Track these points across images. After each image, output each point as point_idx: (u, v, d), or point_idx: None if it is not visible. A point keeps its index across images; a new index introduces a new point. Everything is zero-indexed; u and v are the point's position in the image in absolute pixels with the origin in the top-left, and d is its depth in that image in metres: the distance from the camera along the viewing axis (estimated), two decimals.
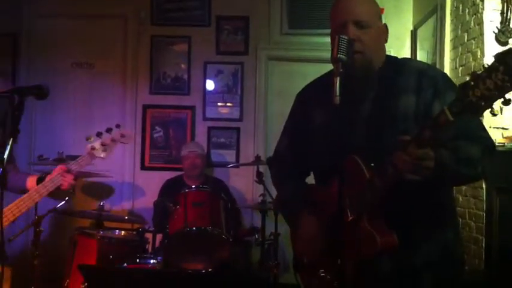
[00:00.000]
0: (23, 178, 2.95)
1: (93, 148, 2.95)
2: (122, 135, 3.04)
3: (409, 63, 2.09)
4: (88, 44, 5.40)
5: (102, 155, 2.97)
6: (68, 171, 2.89)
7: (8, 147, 2.11)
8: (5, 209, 2.63)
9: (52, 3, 5.31)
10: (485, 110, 1.48)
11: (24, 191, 2.88)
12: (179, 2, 5.38)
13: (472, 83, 1.47)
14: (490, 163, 1.89)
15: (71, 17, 5.38)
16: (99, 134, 2.98)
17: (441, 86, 1.91)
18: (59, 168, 2.91)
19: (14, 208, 2.76)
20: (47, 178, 2.88)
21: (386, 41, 2.04)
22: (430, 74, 1.97)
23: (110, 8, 5.37)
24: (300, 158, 2.21)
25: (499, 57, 1.42)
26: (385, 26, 2.02)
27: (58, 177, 2.85)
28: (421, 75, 1.94)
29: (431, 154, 1.64)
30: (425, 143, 1.61)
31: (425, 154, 1.63)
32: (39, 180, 2.90)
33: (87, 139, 2.95)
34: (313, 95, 2.14)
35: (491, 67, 1.43)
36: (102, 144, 2.96)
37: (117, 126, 3.04)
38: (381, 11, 2.07)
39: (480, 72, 1.46)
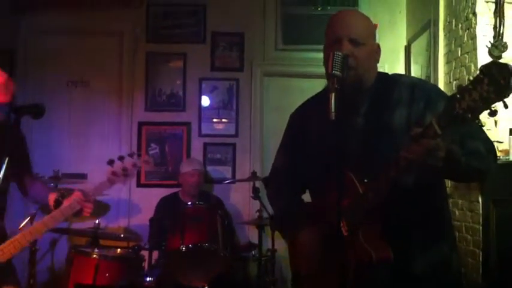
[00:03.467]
0: (46, 194, 2.85)
1: (114, 173, 2.78)
2: (146, 162, 2.91)
3: (400, 78, 2.11)
4: (83, 61, 5.40)
5: (121, 180, 2.80)
6: (86, 197, 2.74)
7: (4, 166, 2.11)
8: (18, 236, 2.61)
9: (48, 20, 5.32)
10: (471, 122, 1.50)
11: (46, 206, 2.81)
12: (174, 19, 5.41)
13: (458, 96, 1.49)
14: (495, 162, 1.93)
15: (67, 34, 5.38)
16: (120, 158, 2.79)
17: (433, 97, 1.94)
18: (77, 193, 2.76)
19: (28, 234, 2.68)
20: (65, 203, 2.74)
21: (378, 61, 2.06)
22: (422, 86, 2.01)
23: (105, 25, 5.39)
24: (297, 175, 2.23)
25: (483, 69, 1.45)
26: (378, 46, 2.05)
27: (75, 203, 2.73)
28: (413, 88, 1.97)
29: (442, 145, 1.64)
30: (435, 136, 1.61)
31: (437, 145, 1.63)
32: (56, 203, 2.76)
33: (109, 163, 2.77)
34: (308, 113, 2.16)
35: (476, 79, 1.46)
36: (123, 169, 2.79)
37: (139, 155, 2.86)
38: (375, 26, 2.09)
39: (465, 84, 1.48)
